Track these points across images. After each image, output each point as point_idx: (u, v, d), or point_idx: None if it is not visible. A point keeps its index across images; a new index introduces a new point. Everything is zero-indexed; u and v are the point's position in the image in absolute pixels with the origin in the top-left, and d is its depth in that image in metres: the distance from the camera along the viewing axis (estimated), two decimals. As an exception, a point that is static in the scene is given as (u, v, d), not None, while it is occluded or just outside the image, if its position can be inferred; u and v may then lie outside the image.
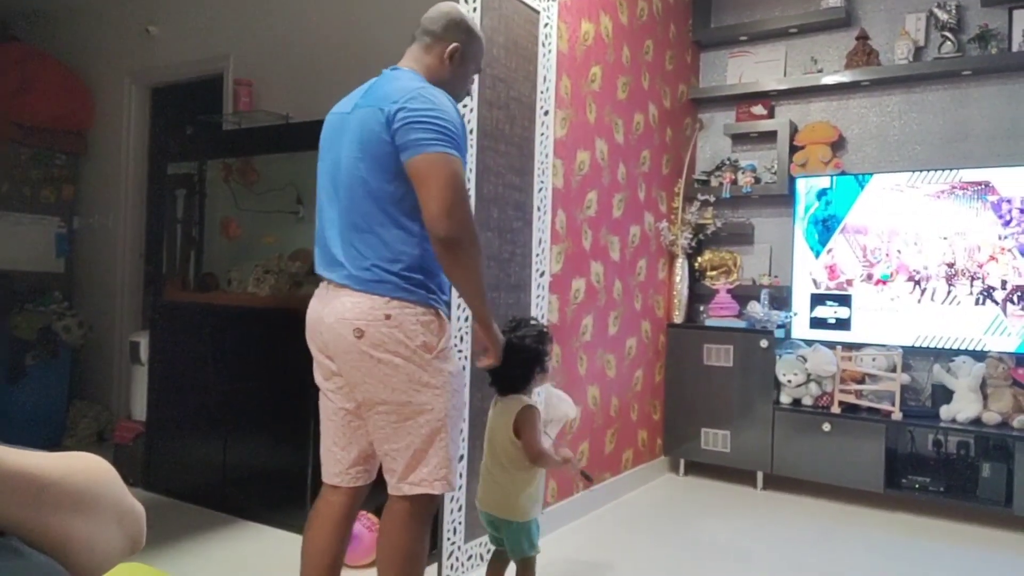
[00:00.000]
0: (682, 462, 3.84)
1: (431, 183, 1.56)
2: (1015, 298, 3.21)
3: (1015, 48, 3.36)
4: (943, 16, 3.49)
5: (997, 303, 3.24)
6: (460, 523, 2.35)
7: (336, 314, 1.65)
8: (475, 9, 2.30)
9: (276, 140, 3.15)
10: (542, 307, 2.74)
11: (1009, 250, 3.22)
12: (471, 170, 2.31)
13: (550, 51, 2.73)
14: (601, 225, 3.24)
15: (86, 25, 4.39)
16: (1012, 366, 3.20)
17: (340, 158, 1.71)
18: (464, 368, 2.24)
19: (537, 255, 2.70)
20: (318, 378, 1.79)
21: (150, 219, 4.11)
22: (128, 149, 4.25)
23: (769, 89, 3.92)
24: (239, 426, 2.98)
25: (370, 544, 2.42)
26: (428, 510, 1.71)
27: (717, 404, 3.68)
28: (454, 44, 1.75)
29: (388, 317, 1.61)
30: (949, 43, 3.48)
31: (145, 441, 3.28)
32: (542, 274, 2.73)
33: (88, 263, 4.39)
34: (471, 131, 2.30)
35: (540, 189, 2.70)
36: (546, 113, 2.72)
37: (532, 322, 2.05)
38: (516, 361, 1.92)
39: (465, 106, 2.26)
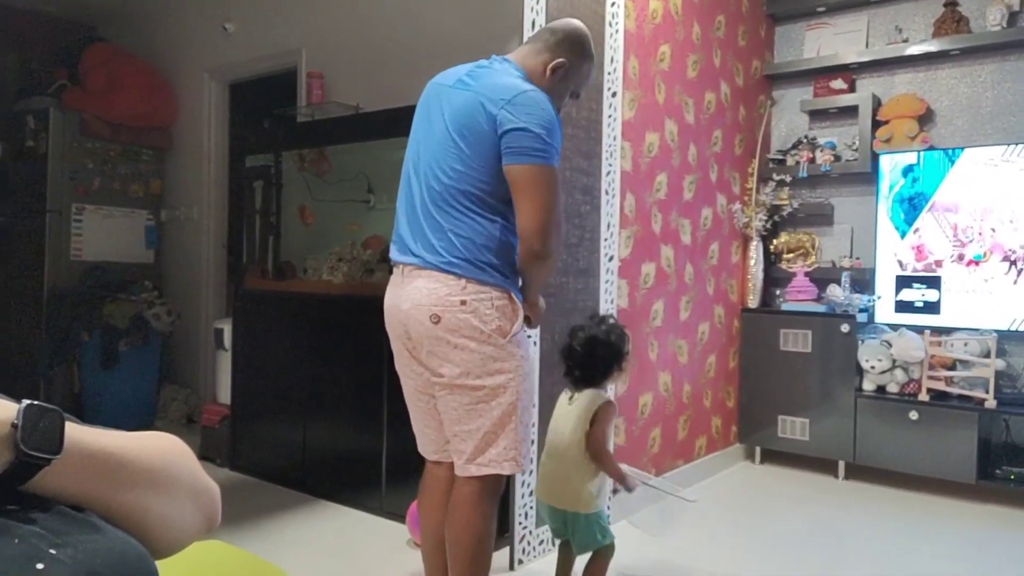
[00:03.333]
0: (758, 450, 3.74)
1: (531, 196, 1.60)
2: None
3: None
4: (1041, -24, 3.25)
5: (1104, 284, 3.02)
6: (531, 507, 2.37)
7: (412, 300, 1.68)
8: (541, -9, 2.27)
9: (347, 130, 3.21)
10: (611, 292, 2.70)
11: (1119, 226, 2.99)
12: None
13: (617, 31, 2.68)
14: (671, 208, 3.17)
15: (167, 24, 4.57)
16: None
17: (432, 135, 1.72)
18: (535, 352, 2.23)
19: (605, 239, 2.67)
20: (399, 364, 1.83)
21: (231, 210, 4.26)
22: (209, 143, 4.42)
23: (850, 62, 3.74)
24: (317, 409, 3.07)
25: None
26: (496, 491, 1.73)
27: (795, 391, 3.56)
28: (561, 59, 1.74)
29: (464, 303, 1.63)
30: (1050, 5, 3.24)
31: (230, 424, 3.42)
32: (611, 258, 2.70)
33: (175, 254, 4.60)
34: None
35: (608, 172, 2.67)
36: (614, 95, 2.67)
37: (611, 320, 2.06)
38: (600, 356, 1.95)
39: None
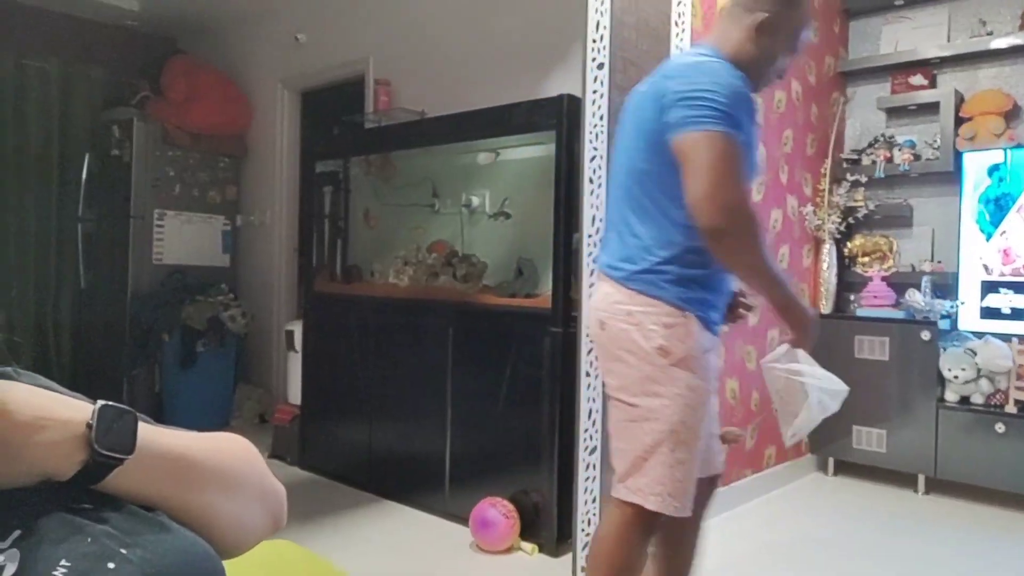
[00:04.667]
0: (831, 461, 3.61)
1: (692, 166, 1.41)
2: None
3: None
4: None
5: None
6: (595, 515, 2.34)
7: (593, 303, 1.66)
8: (605, -7, 2.25)
9: (413, 136, 3.26)
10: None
11: None
12: (602, 157, 2.27)
13: (684, 30, 2.63)
14: (740, 210, 3.09)
15: (243, 36, 4.74)
16: None
17: (621, 136, 1.65)
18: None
19: (671, 243, 2.62)
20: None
21: (301, 215, 4.39)
22: (282, 150, 4.56)
23: (930, 57, 3.57)
24: (382, 410, 3.12)
25: (504, 531, 2.47)
26: (644, 524, 1.56)
27: (871, 400, 3.42)
28: (763, 15, 1.53)
29: (629, 314, 1.53)
30: None
31: (299, 423, 3.52)
32: (677, 262, 2.65)
33: (250, 257, 4.76)
34: (601, 116, 2.26)
35: (674, 175, 2.62)
36: (680, 96, 2.63)
37: None
38: None
39: (596, 91, 2.23)
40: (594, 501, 2.32)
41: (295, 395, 3.63)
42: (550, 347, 2.50)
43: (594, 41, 2.21)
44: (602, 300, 1.59)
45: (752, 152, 1.55)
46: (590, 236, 2.25)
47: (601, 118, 2.26)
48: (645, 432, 1.53)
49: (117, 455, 0.50)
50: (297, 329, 3.64)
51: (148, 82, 4.52)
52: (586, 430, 2.28)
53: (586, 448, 2.29)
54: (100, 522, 0.50)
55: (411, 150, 3.34)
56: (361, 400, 3.20)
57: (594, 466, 2.31)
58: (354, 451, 3.24)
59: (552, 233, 2.49)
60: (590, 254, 2.26)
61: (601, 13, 2.24)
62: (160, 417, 0.60)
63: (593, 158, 2.25)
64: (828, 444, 3.57)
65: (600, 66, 2.24)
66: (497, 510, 2.48)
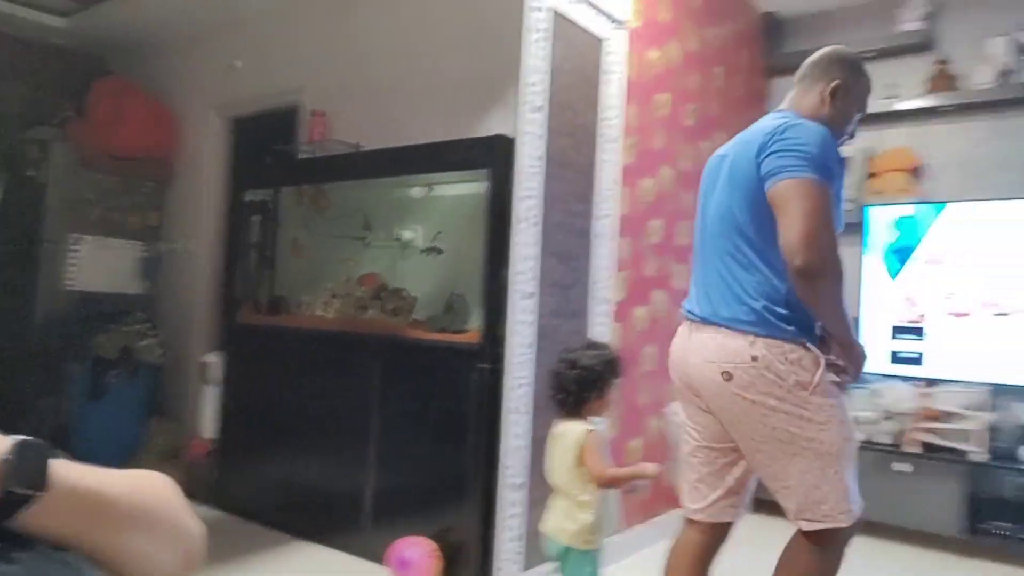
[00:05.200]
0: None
1: (786, 211, 1.53)
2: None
3: (1111, 71, 3.18)
4: (1029, 39, 3.34)
5: (1094, 340, 3.04)
6: (518, 552, 2.33)
7: (702, 355, 1.68)
8: (542, 38, 2.33)
9: (348, 168, 3.24)
10: (603, 335, 2.71)
11: (1107, 284, 3.02)
12: (535, 197, 2.32)
13: (617, 79, 2.73)
14: (665, 253, 3.20)
15: (175, 59, 4.64)
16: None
17: (711, 199, 1.77)
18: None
19: (599, 282, 2.68)
20: (682, 416, 1.84)
21: (227, 244, 4.28)
22: (209, 177, 4.45)
23: (842, 115, 3.81)
24: (304, 446, 3.04)
25: (424, 571, 2.42)
26: (835, 544, 1.68)
27: (786, 439, 3.54)
28: (836, 81, 1.74)
29: (754, 359, 1.59)
30: (1037, 66, 3.32)
31: (214, 460, 3.38)
32: (604, 302, 2.71)
33: (170, 286, 4.59)
34: (538, 157, 2.32)
35: (604, 216, 2.69)
36: (612, 141, 2.72)
37: (603, 347, 2.03)
38: (571, 378, 1.91)
39: (532, 133, 2.29)
40: (519, 539, 2.31)
41: (209, 430, 3.49)
42: (478, 383, 2.50)
43: (531, 84, 2.28)
44: (717, 351, 1.64)
45: (840, 203, 1.66)
46: (520, 273, 2.28)
47: (538, 159, 2.31)
48: (811, 460, 1.61)
49: (29, 491, 0.48)
50: (214, 361, 3.52)
51: (73, 102, 4.35)
52: (511, 467, 2.28)
53: (510, 486, 2.28)
54: (8, 562, 0.47)
55: (345, 182, 3.32)
56: (281, 435, 3.11)
57: (518, 503, 2.31)
58: (272, 489, 3.13)
59: (483, 269, 2.51)
60: (519, 290, 2.29)
61: (538, 58, 2.31)
62: (66, 450, 0.57)
63: (526, 197, 2.29)
64: (746, 482, 3.66)
65: (537, 109, 2.30)
66: (417, 549, 2.44)
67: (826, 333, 1.65)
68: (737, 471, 1.78)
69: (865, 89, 1.81)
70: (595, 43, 2.62)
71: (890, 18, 3.72)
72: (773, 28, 4.05)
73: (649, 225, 3.07)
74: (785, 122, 1.64)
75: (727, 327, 1.63)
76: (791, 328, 1.60)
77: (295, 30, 3.95)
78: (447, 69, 3.24)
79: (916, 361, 3.40)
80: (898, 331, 3.47)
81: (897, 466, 3.24)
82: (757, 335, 1.59)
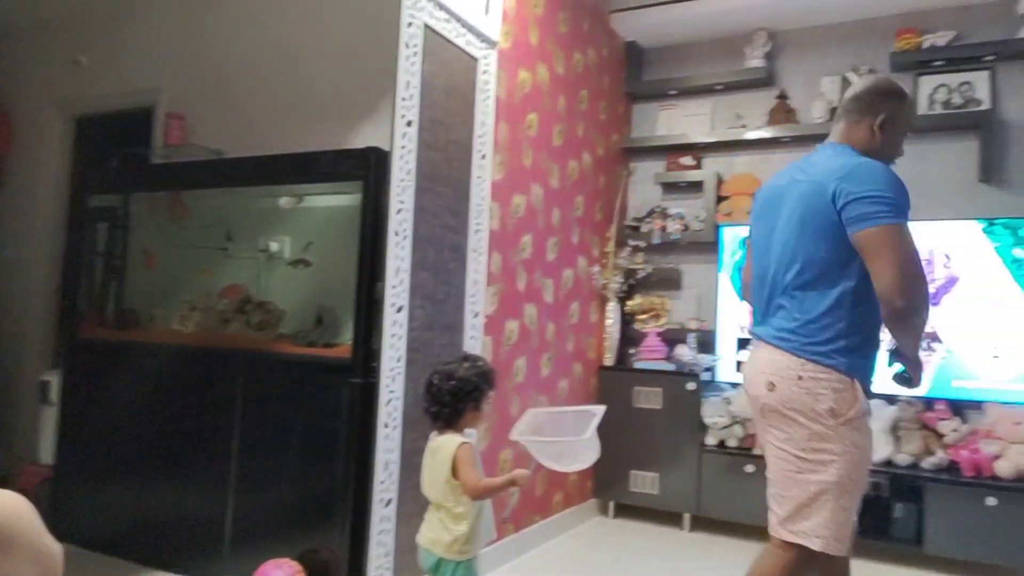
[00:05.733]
0: (611, 504, 3.86)
1: (881, 257, 1.64)
2: (923, 344, 3.39)
3: (921, 111, 3.62)
4: (856, 79, 3.74)
5: (906, 349, 3.42)
6: (388, 569, 2.30)
7: (757, 368, 1.84)
8: (415, 54, 2.34)
9: (208, 175, 3.09)
10: (475, 348, 2.74)
11: (916, 299, 3.42)
12: (408, 210, 2.32)
13: (488, 97, 2.79)
14: (535, 268, 3.29)
15: (10, 50, 4.24)
16: (921, 410, 3.38)
17: (776, 226, 1.87)
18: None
19: (472, 296, 2.71)
20: (758, 429, 1.95)
21: (68, 252, 3.94)
22: (48, 180, 4.09)
23: (697, 141, 4.09)
24: (156, 470, 2.84)
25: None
26: (805, 563, 1.78)
27: (646, 446, 3.73)
28: (882, 115, 1.84)
29: (800, 378, 1.72)
30: (860, 105, 3.72)
31: (52, 487, 3.09)
32: (476, 315, 2.74)
33: (0, 298, 4.16)
34: (408, 171, 2.32)
35: (476, 231, 2.73)
36: (483, 157, 2.77)
37: (477, 359, 2.06)
38: (446, 391, 1.92)
39: (404, 147, 2.29)
40: (390, 554, 2.28)
41: (48, 454, 3.19)
42: (348, 398, 2.45)
43: (404, 99, 2.28)
44: (769, 364, 1.79)
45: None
46: (393, 287, 2.27)
47: (408, 173, 2.32)
48: (812, 482, 1.74)
49: None
50: (54, 379, 3.23)
51: None
52: (382, 482, 2.25)
53: (381, 501, 2.26)
54: None
55: (205, 190, 3.16)
56: (131, 458, 2.89)
57: (389, 519, 2.28)
58: (119, 516, 2.90)
59: (355, 282, 2.48)
60: (392, 304, 2.27)
61: (411, 74, 2.32)
62: None
63: (400, 211, 2.29)
64: (609, 488, 3.82)
65: (409, 123, 2.31)
66: (282, 571, 2.35)
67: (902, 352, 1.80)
68: None
69: (909, 114, 1.93)
70: (467, 61, 2.67)
71: (738, 54, 4.05)
72: (635, 57, 4.28)
73: (520, 240, 3.15)
74: (850, 162, 1.75)
75: (786, 349, 1.77)
76: (844, 360, 1.73)
77: (152, 26, 3.73)
78: (319, 79, 3.18)
79: (761, 370, 3.69)
80: (746, 342, 3.75)
81: (746, 467, 3.49)
82: (808, 360, 1.73)
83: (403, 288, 2.32)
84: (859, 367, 1.75)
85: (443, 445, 1.93)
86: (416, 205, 2.36)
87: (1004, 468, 3.09)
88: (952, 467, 3.22)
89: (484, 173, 2.77)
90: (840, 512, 1.74)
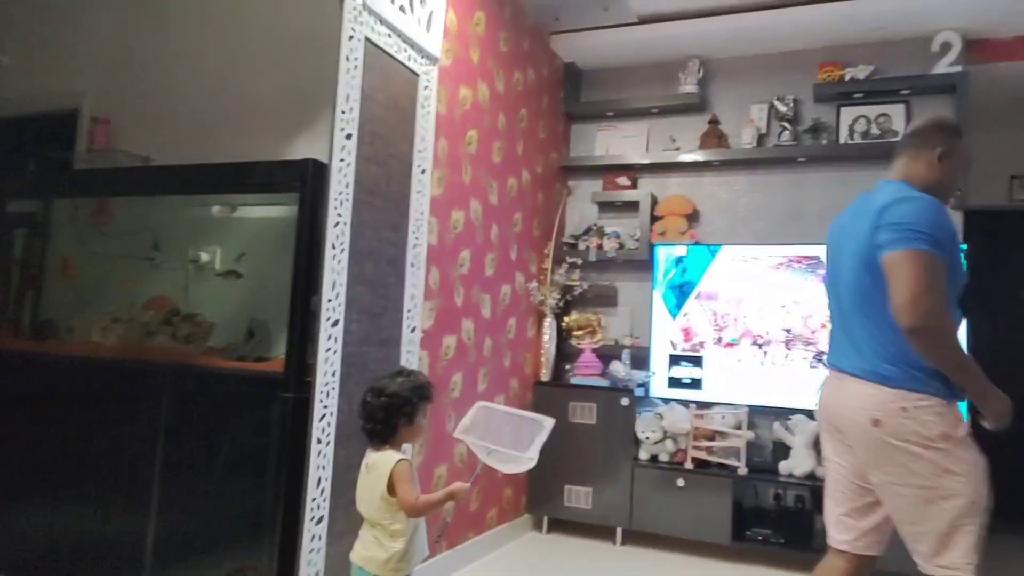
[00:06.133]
0: (545, 519, 3.88)
1: (899, 276, 1.73)
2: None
3: (842, 140, 3.81)
4: (782, 108, 3.91)
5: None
6: (319, 589, 2.25)
7: (849, 403, 1.85)
8: (356, 67, 2.33)
9: (135, 182, 2.98)
10: (412, 363, 2.72)
11: (837, 319, 3.58)
12: (346, 224, 2.30)
13: (429, 113, 2.80)
14: (473, 283, 3.30)
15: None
16: (841, 424, 3.52)
17: (843, 263, 1.94)
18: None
19: (409, 311, 2.70)
20: (827, 451, 2.01)
21: (-20, 259, 3.73)
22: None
23: (633, 162, 4.19)
24: (72, 490, 2.71)
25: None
26: None
27: (580, 461, 3.77)
28: (940, 148, 1.92)
29: (904, 410, 1.75)
30: (787, 132, 3.90)
31: (-44, 507, 2.90)
32: (413, 330, 2.73)
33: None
34: (347, 185, 2.30)
35: (415, 245, 2.73)
36: (423, 172, 2.77)
37: (413, 373, 2.04)
38: (379, 406, 1.90)
39: (343, 160, 2.27)
40: (318, 574, 2.23)
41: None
42: (280, 413, 2.39)
43: (343, 112, 2.27)
44: (869, 400, 1.81)
45: (958, 267, 1.85)
46: (329, 300, 2.24)
47: (347, 186, 2.29)
48: (946, 510, 1.74)
49: None
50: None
51: None
52: (314, 499, 2.21)
53: (313, 519, 2.21)
54: None
55: (131, 197, 3.05)
56: (47, 477, 2.75)
57: (319, 537, 2.23)
58: (34, 539, 2.74)
59: (289, 295, 2.43)
60: (328, 318, 2.24)
61: (352, 87, 2.31)
62: None
63: (337, 224, 2.26)
64: (543, 504, 3.84)
65: (348, 136, 2.29)
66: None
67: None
68: (882, 509, 1.90)
69: (965, 149, 1.99)
70: (409, 76, 2.67)
71: (673, 80, 4.17)
72: (574, 78, 4.37)
73: (459, 256, 3.16)
74: (896, 197, 1.83)
75: (880, 382, 1.80)
76: (939, 385, 1.77)
77: (79, 27, 3.59)
78: (256, 88, 3.12)
79: (694, 385, 3.79)
80: (678, 359, 3.85)
81: (677, 482, 3.57)
82: (911, 389, 1.76)
83: (339, 302, 2.29)
84: (953, 389, 1.80)
85: (379, 462, 1.91)
86: (354, 218, 2.34)
87: (916, 480, 3.25)
88: (869, 480, 3.37)
89: (424, 188, 2.77)
90: (978, 535, 1.76)
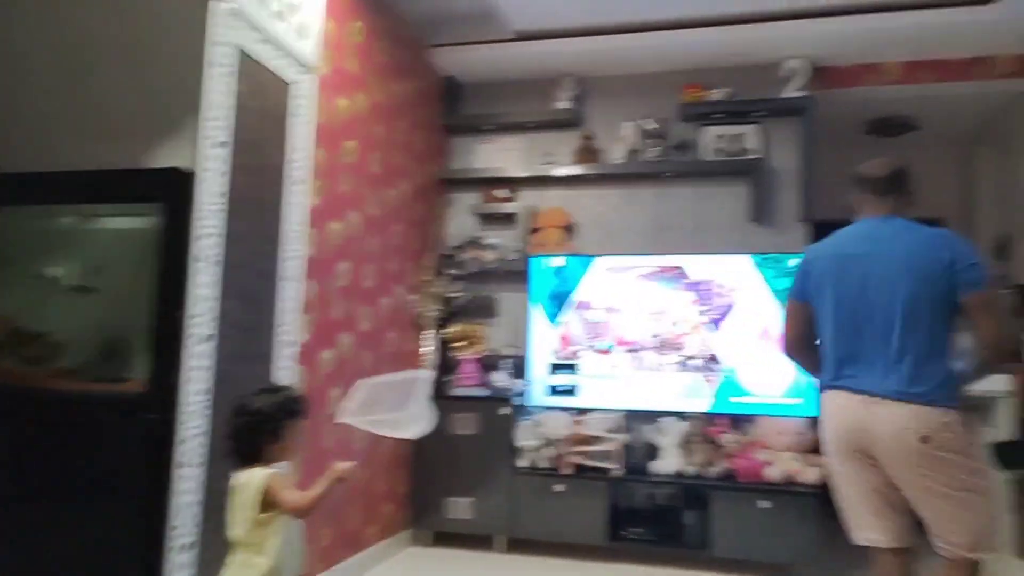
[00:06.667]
0: (428, 533, 3.86)
1: (989, 314, 2.04)
2: (707, 365, 3.78)
3: (704, 157, 4.06)
4: (650, 126, 4.12)
5: (694, 370, 3.79)
6: (188, 620, 2.13)
7: (891, 425, 2.03)
8: (226, 73, 2.25)
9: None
10: (289, 379, 2.64)
11: (702, 325, 3.81)
12: (217, 235, 2.21)
13: (306, 122, 2.74)
14: (352, 295, 3.24)
15: None
16: (706, 424, 3.74)
17: (870, 286, 2.12)
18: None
19: (285, 325, 2.62)
20: (845, 470, 2.19)
21: None
22: None
23: (511, 175, 4.28)
24: None
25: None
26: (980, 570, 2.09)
27: (462, 472, 3.78)
28: (911, 191, 2.25)
29: (946, 425, 2.00)
30: (655, 149, 4.11)
31: None
32: (289, 344, 2.65)
33: None
34: (221, 194, 2.21)
35: (291, 257, 2.65)
36: (299, 182, 2.70)
37: (282, 388, 1.98)
38: (243, 424, 1.84)
39: (214, 169, 2.18)
40: (188, 604, 2.12)
41: None
42: (142, 436, 2.25)
43: (212, 120, 2.18)
44: (913, 420, 2.01)
45: None
46: (199, 315, 2.14)
47: (221, 196, 2.21)
48: (984, 504, 2.05)
49: None
50: None
51: None
52: (179, 526, 2.09)
53: (180, 546, 2.10)
54: None
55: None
56: None
57: (187, 566, 2.12)
58: None
59: (152, 310, 2.29)
60: (196, 334, 2.14)
61: (221, 93, 2.22)
62: None
63: (208, 235, 2.17)
64: (425, 517, 3.82)
65: (220, 144, 2.20)
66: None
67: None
68: (906, 504, 2.12)
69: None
70: (282, 85, 2.60)
71: (548, 95, 4.30)
72: (453, 91, 4.40)
73: (337, 268, 3.10)
74: (952, 234, 2.15)
75: (922, 403, 2.02)
76: (955, 399, 2.05)
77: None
78: (115, 93, 2.93)
79: (571, 392, 3.90)
80: (556, 367, 3.95)
81: (556, 487, 3.65)
82: (946, 407, 2.02)
83: (209, 317, 2.20)
84: (964, 400, 2.09)
85: (246, 481, 1.84)
86: (226, 229, 2.25)
87: (773, 473, 3.50)
88: (731, 475, 3.60)
89: (300, 198, 2.71)
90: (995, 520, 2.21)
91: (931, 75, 3.97)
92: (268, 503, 1.82)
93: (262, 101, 2.47)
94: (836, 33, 3.71)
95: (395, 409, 2.08)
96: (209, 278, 2.19)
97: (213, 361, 2.22)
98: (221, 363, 2.25)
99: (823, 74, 4.06)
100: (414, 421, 2.07)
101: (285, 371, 2.63)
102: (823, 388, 2.26)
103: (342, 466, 1.93)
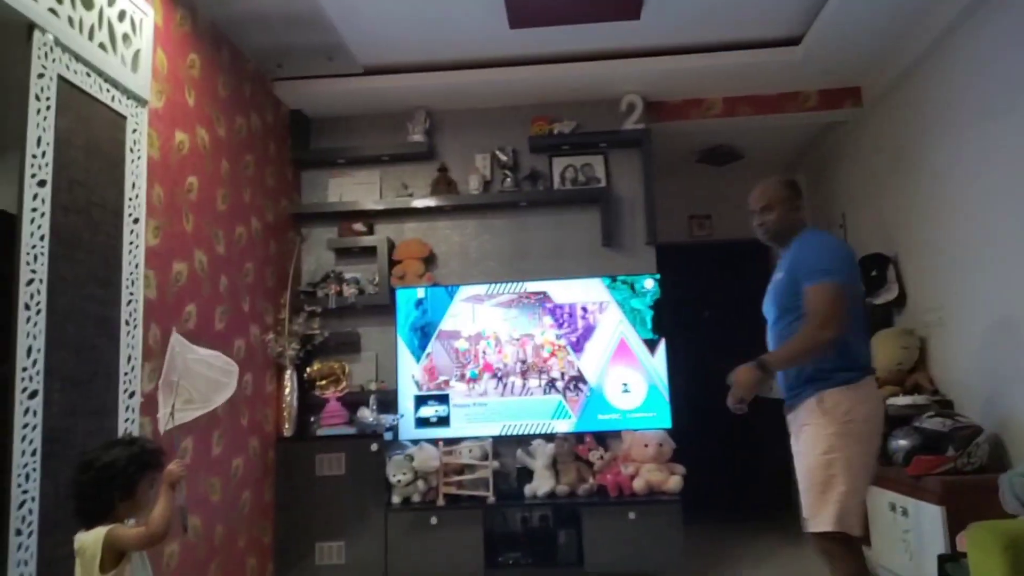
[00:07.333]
0: (299, 583, 3.67)
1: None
2: (571, 386, 3.90)
3: (555, 187, 4.23)
4: (503, 157, 4.24)
5: (559, 391, 3.90)
6: None
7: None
8: (48, 108, 2.09)
9: None
10: (133, 432, 2.45)
11: (564, 347, 3.93)
12: (42, 280, 2.03)
13: (139, 157, 2.59)
14: (202, 339, 3.06)
15: None
16: (574, 443, 3.84)
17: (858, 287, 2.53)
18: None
19: (126, 374, 2.44)
20: (876, 451, 2.33)
21: None
22: None
23: (368, 208, 4.24)
24: None
25: None
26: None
27: (331, 515, 3.65)
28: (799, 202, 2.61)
29: None
30: (508, 179, 4.23)
31: None
32: (132, 395, 2.47)
33: None
34: (42, 237, 2.04)
35: (129, 302, 2.48)
36: (136, 221, 2.54)
37: (132, 440, 1.85)
38: (88, 482, 1.70)
39: (36, 210, 2.01)
40: None
41: None
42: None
43: (35, 157, 2.02)
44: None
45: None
46: (24, 369, 1.95)
47: (42, 238, 2.04)
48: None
49: None
50: None
51: None
52: (24, 503, 1.88)
53: (23, 527, 1.88)
54: None
55: None
56: None
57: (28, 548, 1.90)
58: None
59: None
60: (24, 389, 1.95)
61: (44, 128, 2.07)
62: None
63: (31, 281, 1.99)
64: (293, 567, 3.64)
65: (41, 183, 2.04)
66: None
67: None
68: None
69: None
70: (113, 119, 2.45)
71: (402, 129, 4.32)
72: (301, 125, 4.32)
73: (184, 310, 2.93)
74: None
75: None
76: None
77: None
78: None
79: (441, 423, 3.88)
80: (424, 399, 3.92)
81: (431, 520, 3.61)
82: None
83: (36, 370, 2.01)
84: None
85: (87, 543, 1.69)
86: (52, 274, 2.08)
87: (639, 485, 3.65)
88: (601, 491, 3.71)
89: (137, 239, 2.55)
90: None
91: (749, 109, 4.37)
92: (113, 558, 1.68)
93: (90, 136, 2.31)
94: (665, 71, 4.01)
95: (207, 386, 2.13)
96: (36, 328, 2.01)
97: (43, 419, 2.02)
98: (53, 420, 2.06)
99: (656, 108, 4.36)
100: (223, 384, 2.13)
101: (129, 424, 2.44)
102: (864, 371, 2.35)
103: (173, 470, 1.86)
